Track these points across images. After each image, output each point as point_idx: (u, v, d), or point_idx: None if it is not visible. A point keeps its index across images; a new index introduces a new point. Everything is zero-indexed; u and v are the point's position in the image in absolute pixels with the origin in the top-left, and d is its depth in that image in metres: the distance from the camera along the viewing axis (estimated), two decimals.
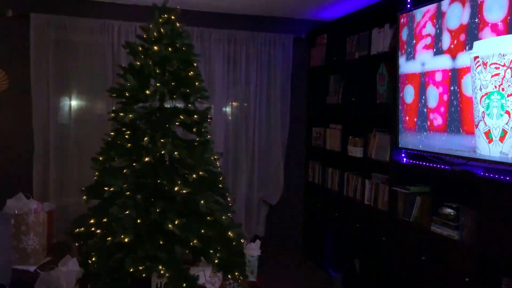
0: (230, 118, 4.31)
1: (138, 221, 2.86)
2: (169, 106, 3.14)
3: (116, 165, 3.04)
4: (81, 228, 2.98)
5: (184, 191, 2.88)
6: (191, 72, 3.10)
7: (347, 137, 3.74)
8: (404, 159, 3.04)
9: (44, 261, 2.83)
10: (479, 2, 2.26)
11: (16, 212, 2.71)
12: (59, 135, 3.80)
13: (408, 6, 2.96)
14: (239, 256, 3.18)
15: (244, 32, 4.23)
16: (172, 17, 3.10)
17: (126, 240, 2.74)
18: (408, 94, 2.88)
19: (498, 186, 2.21)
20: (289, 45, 4.39)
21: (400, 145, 3.00)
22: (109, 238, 2.79)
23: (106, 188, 2.86)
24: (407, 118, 2.91)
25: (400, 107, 2.97)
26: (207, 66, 4.15)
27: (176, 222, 2.82)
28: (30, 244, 2.74)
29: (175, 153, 2.90)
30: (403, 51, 2.92)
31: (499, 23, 2.12)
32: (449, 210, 2.57)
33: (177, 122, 2.99)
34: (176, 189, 2.87)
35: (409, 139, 2.89)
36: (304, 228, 4.60)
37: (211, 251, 2.95)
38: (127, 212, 2.82)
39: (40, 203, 2.92)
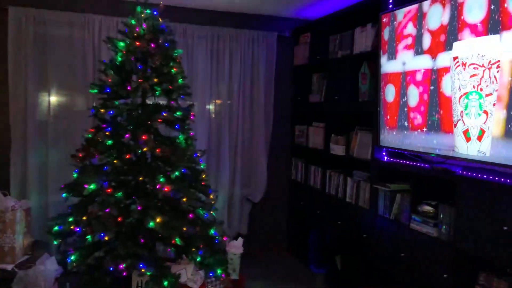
0: (213, 115, 4.29)
1: (119, 219, 2.83)
2: (151, 103, 3.12)
3: (97, 162, 3.00)
4: (60, 226, 2.93)
5: (166, 189, 2.86)
6: (174, 69, 3.07)
7: (330, 135, 3.77)
8: (385, 157, 3.08)
9: (21, 259, 2.78)
10: (459, 3, 2.30)
11: None
12: (37, 131, 3.71)
13: (390, 6, 3.00)
14: (221, 254, 3.17)
15: (228, 29, 4.21)
16: (155, 13, 3.08)
17: (106, 238, 2.71)
18: (390, 93, 2.91)
19: (476, 184, 2.25)
20: (273, 43, 4.39)
21: (381, 144, 3.03)
22: (89, 236, 2.75)
23: (85, 186, 2.83)
24: (388, 117, 2.94)
25: (381, 106, 3.00)
26: (190, 63, 4.11)
27: (157, 220, 2.80)
28: (7, 242, 2.68)
29: (157, 150, 2.88)
30: (384, 51, 2.95)
31: (478, 24, 2.17)
32: (428, 208, 2.62)
33: (160, 118, 2.97)
34: (158, 186, 2.85)
35: (390, 138, 2.93)
36: (288, 225, 4.62)
37: (193, 249, 2.95)
38: (107, 210, 2.79)
39: (18, 200, 2.86)
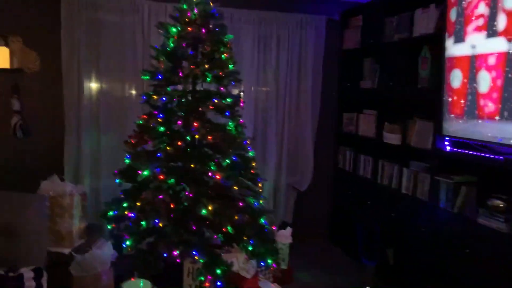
0: (259, 101, 4.20)
1: (171, 205, 2.83)
2: (201, 89, 3.06)
3: (150, 148, 3.00)
4: (115, 211, 2.96)
5: (217, 176, 2.82)
6: (225, 54, 3.00)
7: (383, 123, 3.61)
8: (448, 147, 2.90)
9: (78, 243, 2.83)
10: None
11: (51, 194, 2.69)
12: (90, 117, 3.76)
13: None
14: (271, 243, 3.12)
15: (275, 13, 4.09)
16: None
17: (160, 224, 2.71)
18: (456, 78, 2.72)
19: None
20: (322, 26, 4.23)
21: (444, 133, 2.85)
22: (144, 222, 2.76)
23: (139, 172, 2.83)
24: (453, 104, 2.76)
25: (445, 92, 2.82)
26: (237, 48, 4.01)
27: (209, 207, 2.77)
28: (64, 227, 2.73)
29: (209, 137, 2.84)
30: (451, 33, 2.75)
31: None
32: (498, 202, 2.44)
33: (211, 105, 2.92)
34: (210, 174, 2.81)
35: (455, 126, 2.74)
36: (332, 215, 4.51)
37: (244, 238, 2.90)
38: (160, 196, 2.78)
39: (74, 185, 2.91)
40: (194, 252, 2.74)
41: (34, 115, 3.69)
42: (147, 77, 3.03)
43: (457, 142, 2.83)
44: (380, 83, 3.69)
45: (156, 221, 2.71)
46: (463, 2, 2.64)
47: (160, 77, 2.99)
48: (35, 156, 3.70)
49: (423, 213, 3.08)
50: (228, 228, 2.78)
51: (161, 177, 2.86)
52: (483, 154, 2.59)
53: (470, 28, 2.59)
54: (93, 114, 3.78)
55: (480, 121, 2.54)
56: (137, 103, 3.79)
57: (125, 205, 2.92)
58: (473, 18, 2.56)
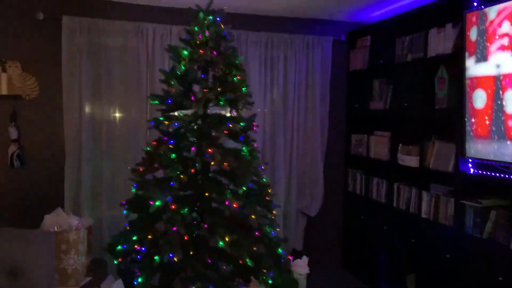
0: (267, 124, 4.08)
1: (185, 237, 2.65)
2: (212, 113, 2.93)
3: (162, 176, 2.84)
4: (123, 245, 2.77)
5: (234, 205, 2.66)
6: (238, 77, 2.89)
7: (397, 145, 3.51)
8: (472, 169, 2.80)
9: (84, 281, 2.61)
10: None
11: (56, 229, 2.49)
12: (91, 145, 3.59)
13: (475, 4, 2.73)
14: (289, 274, 2.95)
15: (282, 34, 4.02)
16: (217, 19, 2.91)
17: (175, 259, 2.52)
18: (479, 98, 2.64)
19: None
20: (328, 47, 4.17)
21: (467, 154, 2.75)
22: (157, 257, 2.57)
23: (151, 202, 2.65)
24: (476, 125, 2.67)
25: (467, 113, 2.73)
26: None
27: (226, 239, 2.60)
28: (71, 264, 2.52)
29: (225, 163, 2.69)
30: (471, 53, 2.68)
31: None
32: None
33: (226, 130, 2.79)
34: (226, 202, 2.65)
35: (479, 148, 2.65)
36: (344, 241, 4.36)
37: (264, 270, 2.73)
38: (174, 228, 2.61)
39: (80, 218, 2.71)
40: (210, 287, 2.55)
41: (32, 144, 3.51)
42: (156, 102, 2.90)
43: (482, 164, 2.73)
44: (392, 104, 3.60)
45: (171, 255, 2.52)
46: (484, 21, 2.58)
47: (169, 101, 2.86)
48: (34, 186, 3.50)
49: (446, 239, 2.95)
50: (247, 260, 2.60)
51: (173, 207, 2.69)
52: (509, 176, 2.49)
53: (493, 47, 2.52)
54: (95, 141, 3.62)
55: (509, 142, 2.44)
56: (142, 129, 3.64)
57: (134, 238, 2.73)
58: (497, 37, 2.49)
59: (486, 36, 2.58)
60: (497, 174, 2.60)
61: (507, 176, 2.54)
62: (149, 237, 2.66)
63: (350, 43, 4.21)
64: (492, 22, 2.53)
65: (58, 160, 3.53)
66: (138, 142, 3.64)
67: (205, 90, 2.76)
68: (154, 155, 2.86)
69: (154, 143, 2.87)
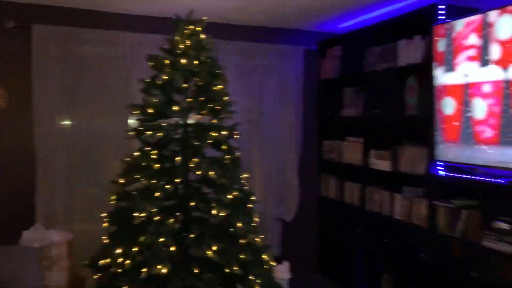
0: (243, 132, 4.11)
1: (172, 248, 2.63)
2: (193, 122, 2.94)
3: (146, 188, 2.81)
4: (107, 259, 2.70)
5: (221, 213, 2.68)
6: (220, 86, 2.92)
7: (369, 150, 3.66)
8: (442, 172, 2.97)
9: None
10: None
11: (36, 245, 2.41)
12: (63, 156, 3.48)
13: (441, 17, 2.92)
14: (274, 280, 2.99)
15: (256, 44, 4.10)
16: (198, 28, 2.93)
17: (164, 270, 2.50)
18: (448, 105, 2.82)
19: None
20: (300, 57, 4.29)
21: (437, 158, 2.93)
22: (144, 270, 2.53)
23: (136, 214, 2.62)
24: (446, 130, 2.85)
25: (437, 119, 2.91)
26: None
27: (213, 248, 2.61)
28: (53, 281, 2.44)
29: (211, 173, 2.70)
30: (440, 63, 2.87)
31: None
32: (503, 225, 2.51)
33: (210, 139, 2.81)
34: (214, 212, 2.67)
35: (449, 152, 2.83)
36: (319, 245, 4.46)
37: (251, 277, 2.76)
38: (161, 239, 2.58)
39: (60, 232, 2.63)
40: None
41: (0, 157, 3.35)
42: (137, 111, 2.87)
43: (451, 167, 2.91)
44: (365, 111, 3.75)
45: (158, 267, 2.50)
46: (451, 34, 2.77)
47: (151, 111, 2.85)
48: (4, 201, 3.34)
49: (420, 239, 3.11)
50: (235, 268, 2.63)
51: (157, 218, 2.67)
52: (481, 178, 2.67)
53: (461, 58, 2.71)
54: (68, 153, 3.51)
55: (477, 146, 2.63)
56: (118, 139, 3.58)
57: (118, 251, 2.67)
58: (464, 48, 2.69)
59: (453, 47, 2.76)
60: (466, 176, 2.79)
61: (474, 177, 2.72)
62: (135, 249, 2.62)
63: (321, 52, 4.35)
64: (459, 34, 2.72)
65: (29, 173, 3.39)
66: (114, 153, 3.57)
67: (189, 99, 2.77)
68: (136, 166, 2.84)
69: (137, 153, 2.85)
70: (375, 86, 3.59)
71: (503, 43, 2.43)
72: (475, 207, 2.73)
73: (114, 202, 2.89)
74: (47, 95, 3.41)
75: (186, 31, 2.88)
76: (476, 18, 2.60)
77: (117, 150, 3.60)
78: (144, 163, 2.80)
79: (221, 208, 2.68)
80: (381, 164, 3.50)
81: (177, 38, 2.86)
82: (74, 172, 3.50)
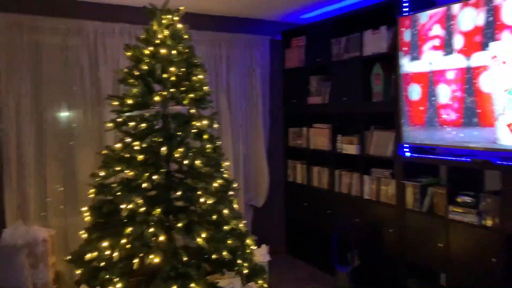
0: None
1: (161, 238, 2.64)
2: (174, 112, 2.94)
3: (124, 179, 2.78)
4: (92, 253, 2.66)
5: (208, 201, 2.73)
6: (199, 76, 2.95)
7: (337, 136, 3.85)
8: (408, 153, 3.22)
9: None
10: (495, 6, 2.48)
11: (19, 242, 2.31)
12: (32, 151, 3.33)
13: (406, 9, 3.14)
14: (257, 263, 3.10)
15: (224, 34, 4.13)
16: (175, 18, 2.92)
17: (156, 260, 2.51)
18: (414, 92, 3.05)
19: None
20: (266, 46, 4.39)
21: (405, 140, 3.17)
22: (136, 260, 2.53)
23: (123, 206, 2.59)
24: (412, 114, 3.08)
25: (404, 104, 3.14)
26: None
27: (203, 235, 2.66)
28: (40, 278, 2.37)
29: (197, 162, 2.74)
30: (406, 52, 3.08)
31: None
32: (467, 198, 2.79)
33: (194, 128, 2.83)
34: (202, 200, 2.71)
35: (415, 134, 3.07)
36: (288, 228, 4.63)
37: (239, 261, 2.85)
38: (151, 230, 2.59)
39: (44, 229, 2.54)
40: (192, 285, 2.59)
41: None
42: (116, 102, 2.82)
43: (418, 148, 3.16)
44: (331, 99, 3.93)
45: (151, 256, 2.51)
46: (416, 25, 2.99)
47: (130, 102, 2.82)
48: None
49: (389, 216, 3.36)
50: (224, 253, 2.70)
51: (144, 209, 2.66)
52: (446, 158, 2.94)
53: (426, 47, 2.94)
54: (35, 146, 3.36)
55: (441, 128, 2.88)
56: (88, 130, 3.49)
57: (105, 244, 2.64)
58: (428, 38, 2.91)
59: (418, 38, 2.99)
60: (431, 156, 3.05)
61: (439, 157, 2.98)
62: (123, 241, 2.60)
63: (286, 42, 4.46)
64: (424, 25, 2.95)
65: None
66: (84, 144, 3.48)
67: (171, 90, 2.77)
68: (117, 157, 2.80)
69: (118, 145, 2.81)
70: (341, 74, 3.77)
71: (465, 34, 2.68)
72: (440, 184, 3.00)
73: (94, 195, 2.85)
74: (12, 85, 3.23)
75: (164, 21, 2.87)
76: (439, 10, 2.83)
77: (87, 141, 3.51)
78: (127, 155, 2.77)
79: (208, 196, 2.73)
80: (350, 148, 3.70)
81: (155, 27, 2.84)
82: (43, 166, 3.36)
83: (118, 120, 2.85)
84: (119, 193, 2.66)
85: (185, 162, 2.70)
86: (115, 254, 2.59)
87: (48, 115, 3.40)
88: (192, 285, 2.58)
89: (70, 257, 2.76)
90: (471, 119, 2.68)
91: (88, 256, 2.63)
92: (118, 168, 2.78)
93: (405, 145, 3.21)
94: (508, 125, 2.47)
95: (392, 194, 3.34)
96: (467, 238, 2.77)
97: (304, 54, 4.24)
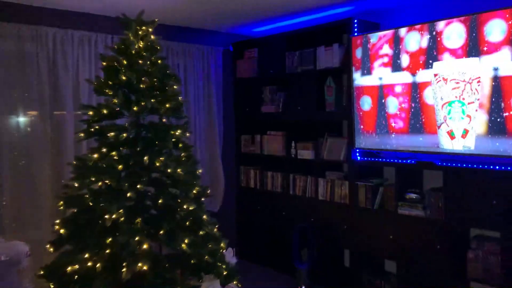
0: None
1: (145, 246, 2.68)
2: (149, 121, 2.99)
3: (103, 189, 2.77)
4: (73, 266, 2.61)
5: (191, 208, 2.83)
6: (174, 86, 3.03)
7: (291, 142, 4.15)
8: (359, 157, 3.61)
9: None
10: (437, 32, 2.95)
11: (3, 258, 2.20)
12: None
13: (356, 29, 3.53)
14: (230, 265, 3.25)
15: (180, 43, 4.22)
16: (150, 29, 2.98)
17: (144, 268, 2.56)
18: (365, 103, 3.45)
19: (459, 171, 2.94)
20: (219, 57, 4.56)
21: (357, 146, 3.55)
22: (124, 270, 2.54)
23: (107, 216, 2.59)
24: (364, 123, 3.48)
25: (356, 114, 3.52)
26: None
27: (186, 241, 2.76)
28: None
29: (178, 170, 2.82)
30: (357, 68, 3.47)
31: (458, 49, 2.84)
32: (413, 195, 3.23)
33: (173, 138, 2.91)
34: (185, 207, 2.80)
35: (367, 140, 3.47)
36: (239, 232, 4.81)
37: (219, 264, 2.98)
38: (137, 238, 2.62)
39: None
40: None
41: None
42: (91, 112, 2.81)
43: (369, 152, 3.56)
44: (285, 108, 4.22)
45: (139, 264, 2.54)
46: (368, 44, 3.40)
47: (105, 111, 2.82)
48: None
49: (343, 214, 3.72)
50: (206, 257, 2.82)
51: (122, 219, 2.68)
52: (394, 160, 3.37)
53: (376, 64, 3.35)
54: None
55: (390, 135, 3.31)
56: (44, 140, 3.37)
57: (86, 256, 2.61)
58: (378, 56, 3.33)
59: (369, 55, 3.39)
60: (381, 159, 3.46)
61: (388, 160, 3.41)
62: (107, 251, 2.60)
63: (237, 53, 4.67)
64: (374, 44, 3.36)
65: None
66: (41, 154, 3.35)
67: (153, 100, 2.82)
68: (94, 167, 2.77)
69: (96, 155, 2.78)
70: (296, 86, 4.08)
71: (411, 54, 3.12)
72: (389, 183, 3.42)
73: (65, 207, 2.79)
74: None
75: (140, 32, 2.91)
76: (388, 32, 3.26)
77: (44, 151, 3.38)
78: (104, 164, 2.77)
79: (190, 203, 2.83)
80: (305, 154, 4.01)
81: (132, 38, 2.87)
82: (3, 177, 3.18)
83: (91, 130, 2.83)
84: (102, 204, 2.64)
85: (169, 170, 2.77)
86: (98, 265, 2.58)
87: (3, 123, 3.22)
88: None
89: (42, 272, 2.67)
90: (417, 127, 3.13)
91: (69, 268, 2.58)
92: (93, 179, 2.76)
93: (357, 150, 3.60)
94: (448, 132, 2.95)
95: (345, 195, 3.71)
96: (414, 229, 3.21)
97: (256, 65, 4.48)
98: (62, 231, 2.74)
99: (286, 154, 4.21)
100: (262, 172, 4.52)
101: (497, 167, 2.78)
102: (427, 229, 3.14)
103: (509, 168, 2.74)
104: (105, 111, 2.82)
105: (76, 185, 2.77)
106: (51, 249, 2.74)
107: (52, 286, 2.67)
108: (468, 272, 2.96)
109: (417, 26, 3.07)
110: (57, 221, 2.75)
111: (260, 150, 4.53)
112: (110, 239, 2.63)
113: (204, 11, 3.80)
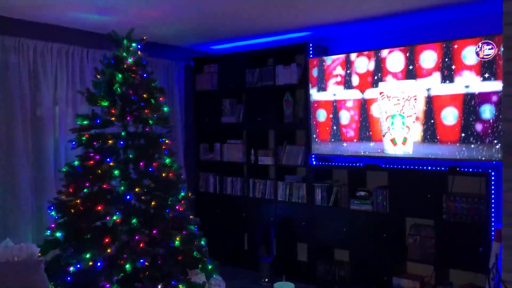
0: None
1: (142, 244, 2.94)
2: (139, 131, 3.25)
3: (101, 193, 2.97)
4: (76, 265, 2.78)
5: (181, 209, 3.14)
6: (161, 98, 3.33)
7: (250, 150, 4.59)
8: (314, 162, 4.17)
9: None
10: (382, 58, 3.62)
11: (15, 259, 2.32)
12: None
13: (311, 52, 4.11)
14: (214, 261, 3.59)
15: (149, 58, 4.46)
16: (139, 46, 3.25)
17: (147, 263, 2.82)
18: (321, 115, 4.03)
19: (400, 172, 3.62)
20: (181, 71, 4.88)
21: (313, 152, 4.11)
22: (128, 266, 2.78)
23: (109, 218, 2.81)
24: (320, 132, 4.05)
25: (313, 124, 4.08)
26: None
27: (178, 238, 3.06)
28: None
29: (170, 174, 3.11)
30: (314, 85, 4.04)
31: (399, 73, 3.53)
32: (363, 193, 3.86)
33: (163, 145, 3.20)
34: (177, 207, 3.10)
35: (322, 147, 4.04)
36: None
37: (205, 259, 3.31)
38: (137, 237, 2.87)
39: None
40: (173, 283, 2.96)
41: None
42: (86, 122, 3.02)
43: (324, 158, 4.14)
44: (245, 119, 4.66)
45: (142, 261, 2.79)
46: (323, 65, 3.99)
47: (98, 121, 3.05)
48: None
49: (301, 212, 4.24)
50: (195, 253, 3.14)
51: (118, 220, 2.91)
52: (346, 164, 3.97)
53: (330, 82, 3.95)
54: None
55: (343, 142, 3.91)
56: (25, 150, 3.44)
57: (88, 256, 2.79)
58: (332, 76, 3.93)
59: (325, 74, 3.98)
60: (335, 163, 4.05)
61: (341, 164, 4.01)
62: (108, 251, 2.81)
63: (197, 68, 5.02)
64: (329, 66, 3.95)
65: None
66: (22, 163, 3.41)
67: (146, 111, 3.10)
68: (88, 173, 2.96)
69: (91, 162, 2.97)
70: (256, 99, 4.55)
71: (360, 75, 3.76)
72: (342, 184, 4.02)
73: (58, 212, 2.95)
74: None
75: (131, 48, 3.18)
76: (341, 56, 3.87)
77: (25, 161, 3.45)
78: (99, 171, 2.97)
79: (180, 204, 3.14)
80: (266, 160, 4.48)
81: (124, 54, 3.13)
82: None
83: (83, 138, 3.03)
84: (99, 207, 2.85)
85: (163, 174, 3.06)
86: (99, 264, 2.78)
87: None
88: (173, 282, 2.95)
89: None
90: (365, 135, 3.77)
91: (73, 269, 2.74)
92: (87, 184, 2.96)
93: (313, 156, 4.15)
94: (391, 140, 3.62)
95: (303, 195, 4.24)
96: (364, 222, 3.83)
97: (216, 79, 4.87)
98: (58, 234, 2.89)
99: (246, 160, 4.65)
100: (222, 177, 4.89)
101: (430, 168, 3.50)
102: (374, 221, 3.77)
103: (439, 168, 3.47)
104: (98, 121, 3.04)
105: (71, 190, 2.95)
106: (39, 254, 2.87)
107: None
108: (408, 254, 3.64)
109: (365, 53, 3.73)
110: (52, 225, 2.90)
111: (220, 157, 4.90)
112: (110, 239, 2.84)
113: (167, 29, 4.10)
